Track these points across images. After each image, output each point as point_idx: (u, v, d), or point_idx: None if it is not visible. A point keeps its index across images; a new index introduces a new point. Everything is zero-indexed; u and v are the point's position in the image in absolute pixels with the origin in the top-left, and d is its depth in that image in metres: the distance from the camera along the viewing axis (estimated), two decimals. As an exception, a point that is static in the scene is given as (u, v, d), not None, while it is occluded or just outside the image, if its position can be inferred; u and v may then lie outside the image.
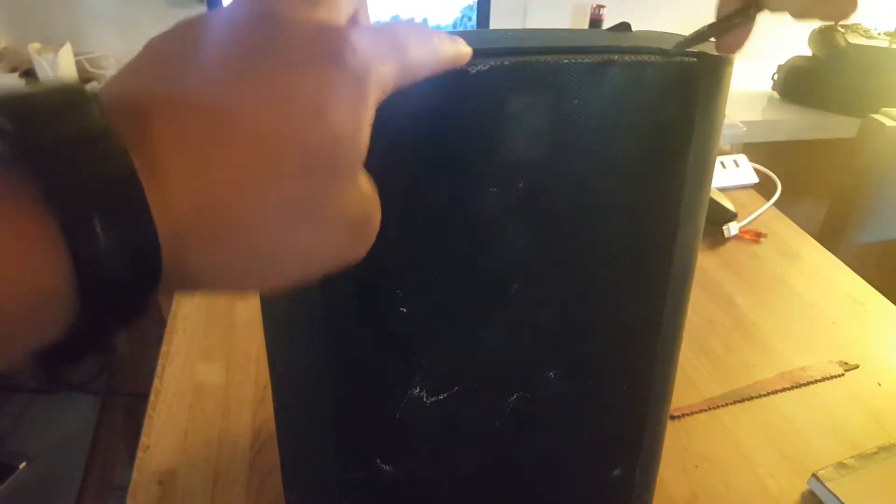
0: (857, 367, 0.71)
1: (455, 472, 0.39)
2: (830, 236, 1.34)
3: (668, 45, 0.31)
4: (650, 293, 0.37)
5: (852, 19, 0.30)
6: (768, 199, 1.01)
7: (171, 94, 0.18)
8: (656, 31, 0.36)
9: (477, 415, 0.37)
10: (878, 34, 1.45)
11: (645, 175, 0.33)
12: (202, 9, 1.15)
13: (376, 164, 0.21)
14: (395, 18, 1.28)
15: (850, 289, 0.84)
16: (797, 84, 1.52)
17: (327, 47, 0.19)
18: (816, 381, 0.68)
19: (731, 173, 1.09)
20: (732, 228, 0.93)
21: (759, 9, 0.30)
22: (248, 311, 0.75)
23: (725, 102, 0.34)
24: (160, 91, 0.18)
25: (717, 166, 1.06)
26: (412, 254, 0.31)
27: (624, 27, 0.36)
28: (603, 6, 1.47)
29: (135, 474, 0.56)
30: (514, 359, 0.36)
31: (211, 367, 0.67)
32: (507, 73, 0.28)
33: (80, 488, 1.38)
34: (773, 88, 1.57)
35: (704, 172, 0.35)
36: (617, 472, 0.42)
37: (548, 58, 0.28)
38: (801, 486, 0.56)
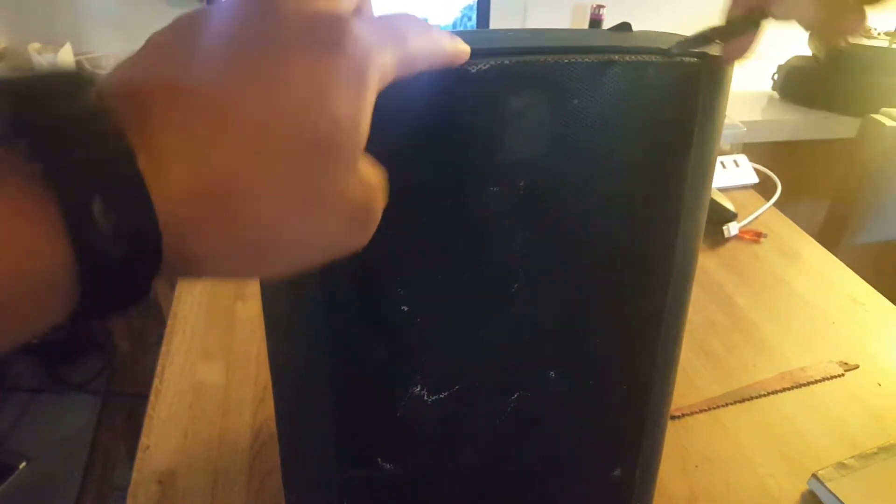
0: (857, 367, 0.71)
1: (455, 471, 0.39)
2: (830, 236, 1.34)
3: (669, 46, 0.31)
4: (651, 293, 0.37)
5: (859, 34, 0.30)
6: (768, 199, 1.01)
7: (171, 80, 0.18)
8: (657, 32, 0.36)
9: (477, 414, 0.37)
10: (878, 34, 1.45)
11: (646, 175, 0.33)
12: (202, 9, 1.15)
13: (377, 163, 0.21)
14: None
15: (850, 289, 0.84)
16: (797, 84, 1.52)
17: (327, 35, 0.19)
18: (816, 381, 0.68)
19: (731, 173, 1.09)
20: (732, 228, 0.93)
21: (764, 16, 0.30)
22: (248, 311, 0.75)
23: (726, 102, 0.34)
24: (160, 77, 0.18)
25: (717, 166, 1.06)
26: (413, 252, 0.31)
27: (625, 27, 0.36)
28: (603, 6, 1.47)
29: (135, 474, 0.56)
30: (515, 358, 0.36)
31: (211, 367, 0.67)
32: (507, 73, 0.28)
33: (80, 488, 1.38)
34: (773, 88, 1.57)
35: (705, 172, 0.35)
36: (617, 472, 0.42)
37: (548, 57, 0.28)
38: (801, 486, 0.56)
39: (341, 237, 0.21)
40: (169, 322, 0.73)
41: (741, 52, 0.31)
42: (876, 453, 0.58)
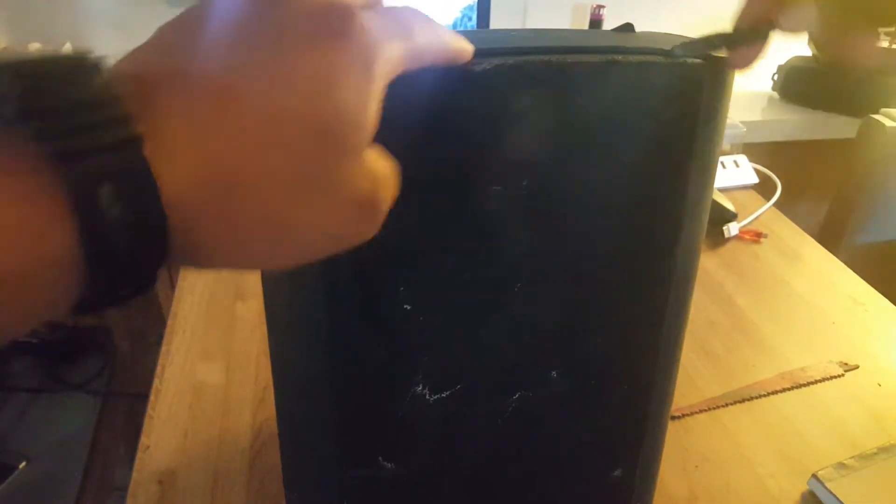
0: (857, 367, 0.71)
1: (456, 471, 0.39)
2: (830, 236, 1.34)
3: (672, 47, 0.31)
4: (653, 293, 0.37)
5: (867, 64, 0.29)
6: (768, 199, 1.01)
7: (179, 68, 0.18)
8: (660, 33, 0.36)
9: (479, 413, 0.37)
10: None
11: (648, 175, 0.33)
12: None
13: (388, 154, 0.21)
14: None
15: (850, 289, 0.84)
16: (797, 84, 1.52)
17: (334, 24, 0.19)
18: (816, 382, 0.68)
19: (731, 173, 1.09)
20: (733, 229, 0.93)
21: (772, 28, 0.30)
22: (248, 311, 0.75)
23: (729, 103, 0.34)
24: (168, 65, 0.18)
25: (718, 166, 1.06)
26: (415, 251, 0.31)
27: (628, 28, 0.36)
28: (603, 6, 1.47)
29: (135, 474, 0.56)
30: (517, 358, 0.36)
31: (211, 367, 0.67)
32: (511, 72, 0.28)
33: (80, 488, 1.38)
34: (773, 89, 1.57)
35: (707, 173, 0.35)
36: (617, 472, 0.42)
37: (552, 57, 0.28)
38: (801, 486, 0.56)
39: (347, 228, 0.21)
40: (169, 322, 0.73)
41: (746, 62, 0.31)
42: (876, 453, 0.58)
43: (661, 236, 0.35)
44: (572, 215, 0.32)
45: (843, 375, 0.69)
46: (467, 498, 0.40)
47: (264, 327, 0.39)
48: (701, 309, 0.79)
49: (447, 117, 0.28)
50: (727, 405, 0.65)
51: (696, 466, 0.58)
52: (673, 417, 0.62)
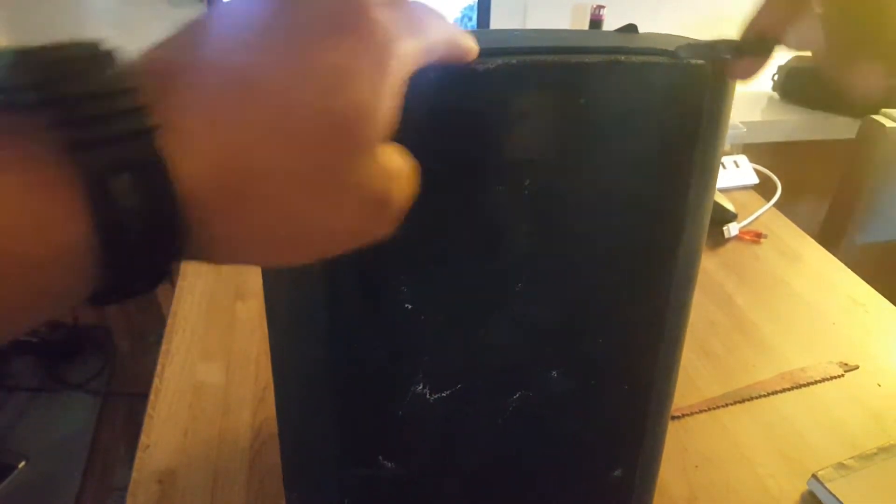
0: (856, 367, 0.71)
1: (456, 470, 0.39)
2: (830, 237, 1.34)
3: (676, 48, 0.31)
4: (654, 293, 0.37)
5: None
6: (768, 199, 1.01)
7: (196, 62, 0.18)
8: (663, 34, 0.36)
9: (479, 413, 0.37)
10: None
11: (650, 175, 0.33)
12: (203, 9, 1.15)
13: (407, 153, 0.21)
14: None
15: (850, 289, 0.84)
16: (797, 85, 1.52)
17: (350, 21, 0.19)
18: (816, 382, 0.68)
19: (731, 174, 1.09)
20: (733, 229, 0.93)
21: (778, 43, 0.30)
22: (248, 311, 0.75)
23: (731, 104, 0.34)
24: (185, 59, 0.18)
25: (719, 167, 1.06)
26: (417, 250, 0.31)
27: (631, 28, 0.36)
28: (603, 7, 1.47)
29: (134, 474, 0.56)
30: (517, 357, 0.36)
31: (211, 366, 0.67)
32: (514, 72, 0.28)
33: (80, 488, 1.38)
34: (773, 89, 1.57)
35: (709, 174, 0.35)
36: (617, 472, 0.42)
37: (555, 57, 0.28)
38: (801, 486, 0.56)
39: (361, 226, 0.21)
40: (169, 322, 0.73)
41: (748, 72, 0.31)
42: (876, 454, 0.58)
43: (662, 237, 0.35)
44: (574, 215, 0.32)
45: (843, 376, 0.69)
46: (467, 497, 0.40)
47: (264, 327, 0.39)
48: (701, 309, 0.79)
49: (449, 117, 0.28)
50: (727, 405, 0.65)
51: (696, 466, 0.58)
52: (673, 417, 0.62)
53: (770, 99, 1.58)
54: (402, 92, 0.21)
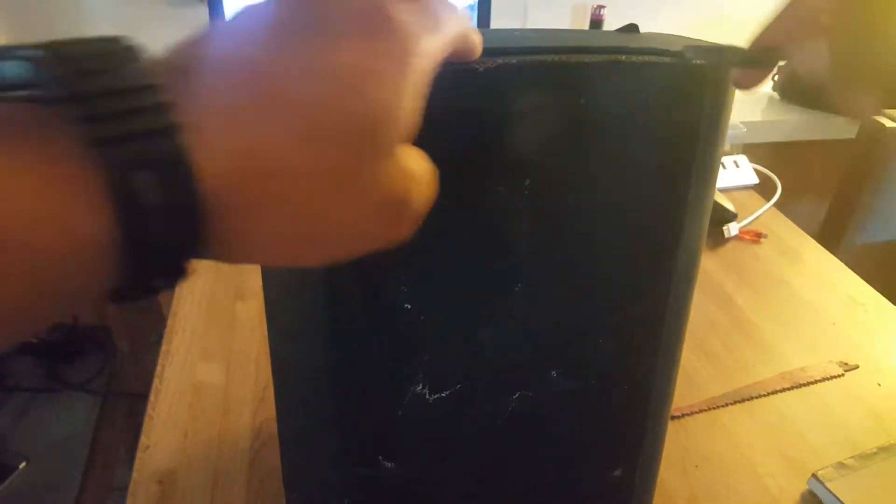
0: (856, 367, 0.71)
1: (456, 470, 0.39)
2: (830, 236, 1.34)
3: (676, 48, 0.31)
4: (653, 293, 0.37)
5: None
6: (768, 199, 1.01)
7: (218, 60, 0.19)
8: (664, 34, 0.36)
9: (478, 413, 0.37)
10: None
11: (650, 175, 0.33)
12: (203, 9, 1.15)
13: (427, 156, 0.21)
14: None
15: (850, 289, 0.84)
16: (797, 85, 1.52)
17: (372, 22, 0.20)
18: (816, 382, 0.68)
19: (731, 174, 1.09)
20: (733, 229, 0.93)
21: (782, 59, 0.30)
22: (248, 311, 0.75)
23: (732, 104, 0.34)
24: (208, 56, 0.19)
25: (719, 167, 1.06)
26: (417, 250, 0.31)
27: (632, 28, 0.36)
28: (603, 6, 1.47)
29: (135, 474, 0.56)
30: (517, 357, 0.36)
31: (211, 367, 0.67)
32: (514, 72, 0.28)
33: (80, 488, 1.38)
34: (774, 89, 1.57)
35: (709, 174, 0.35)
36: (617, 472, 0.42)
37: (555, 57, 0.28)
38: (801, 486, 0.56)
39: (378, 228, 0.21)
40: (169, 322, 0.73)
41: (752, 83, 0.31)
42: (876, 453, 0.58)
43: (662, 236, 0.35)
44: (574, 215, 0.32)
45: (843, 375, 0.69)
46: (467, 497, 0.40)
47: (264, 327, 0.39)
48: (701, 309, 0.79)
49: (449, 116, 0.28)
50: (727, 405, 0.65)
51: (696, 466, 0.58)
52: (673, 417, 0.62)
53: (770, 99, 1.58)
54: (424, 92, 0.21)
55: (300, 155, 0.18)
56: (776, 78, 1.56)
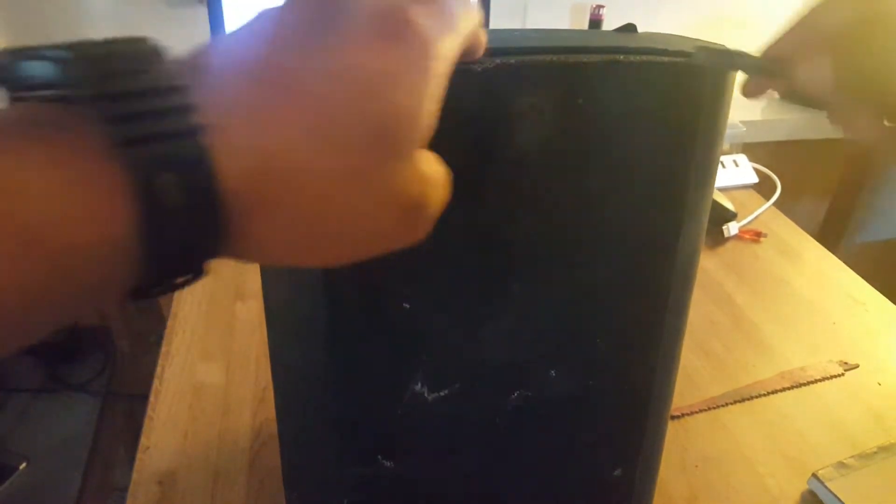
0: (857, 366, 0.71)
1: (455, 469, 0.39)
2: (830, 236, 1.34)
3: (674, 47, 0.31)
4: (652, 293, 0.37)
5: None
6: (768, 198, 1.01)
7: (240, 61, 0.19)
8: (662, 33, 0.36)
9: (478, 412, 0.37)
10: None
11: (649, 175, 0.33)
12: (203, 9, 1.15)
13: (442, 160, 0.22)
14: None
15: (850, 289, 0.84)
16: (798, 97, 1.52)
17: (391, 27, 0.20)
18: (816, 381, 0.68)
19: (730, 173, 1.09)
20: (732, 228, 0.93)
21: (790, 71, 0.31)
22: (248, 312, 0.75)
23: (730, 104, 0.34)
24: (229, 57, 0.19)
25: (718, 166, 1.06)
26: (415, 250, 0.31)
27: (630, 28, 0.36)
28: (602, 6, 1.47)
29: (135, 475, 0.56)
30: (516, 356, 0.36)
31: (211, 367, 0.67)
32: (512, 72, 0.28)
33: (80, 489, 1.38)
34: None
35: (708, 173, 0.35)
36: (617, 472, 0.42)
37: (553, 57, 0.28)
38: (801, 486, 0.56)
39: (392, 230, 0.21)
40: (169, 322, 0.73)
41: (757, 92, 0.32)
42: (876, 453, 0.58)
43: (661, 236, 0.35)
44: (572, 215, 0.32)
45: (843, 375, 0.69)
46: (467, 497, 0.40)
47: (264, 327, 0.39)
48: (701, 308, 0.79)
49: (447, 117, 0.28)
50: (727, 405, 0.65)
51: (696, 466, 0.58)
52: (673, 417, 0.62)
53: (770, 98, 1.58)
54: (441, 96, 0.21)
55: (319, 156, 0.18)
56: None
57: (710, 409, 0.64)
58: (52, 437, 1.48)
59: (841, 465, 0.56)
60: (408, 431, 0.36)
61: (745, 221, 0.95)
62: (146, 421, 0.61)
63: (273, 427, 0.59)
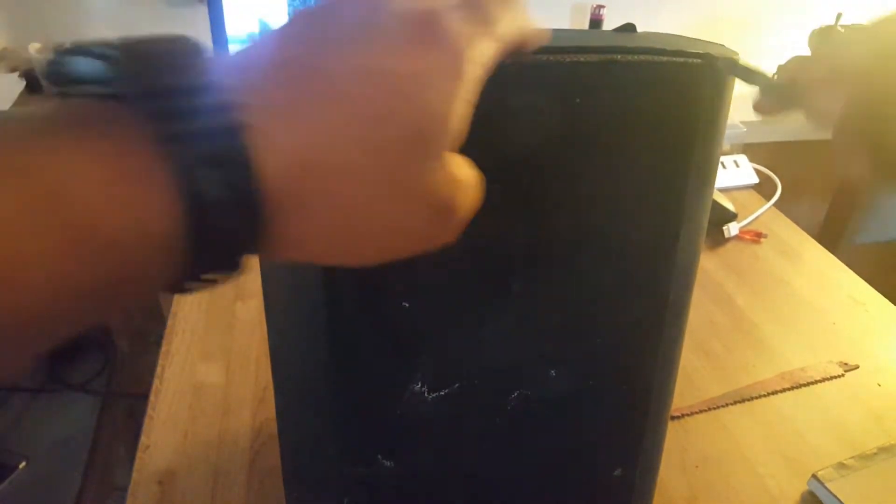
0: (857, 367, 0.71)
1: (455, 469, 0.39)
2: (830, 236, 1.34)
3: (673, 47, 0.31)
4: (652, 293, 0.37)
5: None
6: (768, 199, 1.01)
7: (278, 61, 0.19)
8: (661, 33, 0.36)
9: (478, 412, 0.37)
10: (876, 18, 1.45)
11: (648, 175, 0.33)
12: (203, 8, 1.15)
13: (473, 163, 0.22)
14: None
15: (850, 289, 0.84)
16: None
17: (426, 31, 0.20)
18: (816, 382, 0.68)
19: (731, 174, 1.09)
20: (733, 229, 0.93)
21: (800, 94, 0.31)
22: (248, 312, 0.75)
23: (730, 104, 0.34)
24: (268, 57, 0.19)
25: (718, 167, 1.06)
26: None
27: (629, 28, 0.36)
28: (603, 6, 1.47)
29: (135, 474, 0.56)
30: (516, 356, 0.36)
31: (211, 367, 0.67)
32: (511, 72, 0.28)
33: (80, 488, 1.38)
34: (774, 89, 1.57)
35: (708, 173, 0.35)
36: (617, 472, 0.42)
37: (551, 57, 0.28)
38: (801, 486, 0.56)
39: (424, 230, 0.22)
40: (169, 322, 0.73)
41: (769, 111, 0.32)
42: (876, 453, 0.58)
43: (660, 236, 0.35)
44: (571, 215, 0.32)
45: (843, 375, 0.69)
46: (466, 496, 0.40)
47: (264, 327, 0.39)
48: (701, 309, 0.79)
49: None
50: (727, 405, 0.65)
51: (696, 466, 0.58)
52: (673, 417, 0.62)
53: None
54: (474, 99, 0.21)
55: (354, 156, 0.19)
56: (776, 77, 1.56)
57: (710, 409, 0.64)
58: (51, 437, 1.48)
59: (841, 465, 0.56)
60: (408, 431, 0.36)
61: (745, 222, 0.95)
62: (146, 420, 0.61)
63: (273, 427, 0.59)
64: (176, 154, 0.16)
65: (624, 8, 1.52)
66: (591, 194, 0.32)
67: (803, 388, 0.68)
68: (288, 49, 0.20)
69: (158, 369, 0.66)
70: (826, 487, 0.54)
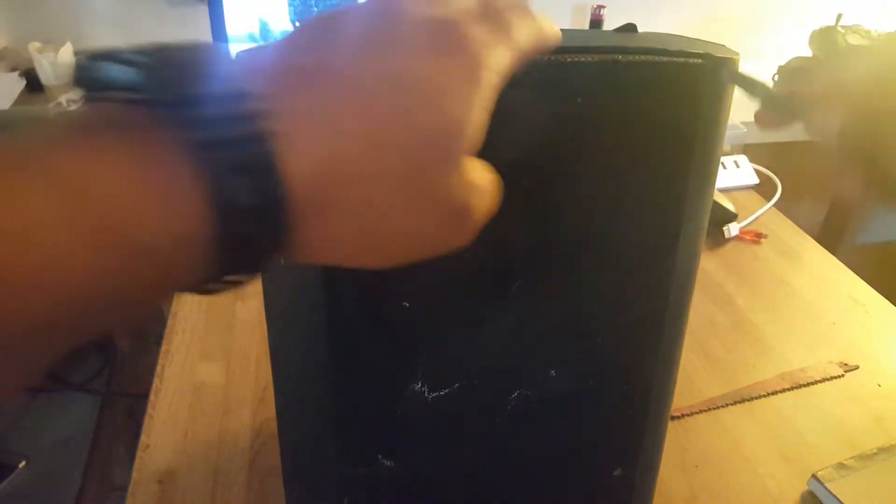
0: (856, 367, 0.71)
1: (455, 469, 0.39)
2: (830, 236, 1.34)
3: (674, 47, 0.31)
4: (652, 293, 0.37)
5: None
6: (769, 199, 1.01)
7: (301, 66, 0.20)
8: (662, 33, 0.36)
9: (478, 411, 0.37)
10: (878, 35, 1.45)
11: (649, 175, 0.33)
12: (203, 9, 1.15)
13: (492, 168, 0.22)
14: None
15: (850, 289, 0.84)
16: (797, 85, 1.52)
17: (445, 39, 0.21)
18: (816, 382, 0.68)
19: (731, 174, 1.09)
20: (733, 229, 0.93)
21: (799, 107, 0.31)
22: (248, 311, 0.75)
23: (730, 104, 0.34)
24: (291, 64, 0.20)
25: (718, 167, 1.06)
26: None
27: (630, 28, 0.36)
28: (603, 6, 1.47)
29: (135, 474, 0.56)
30: (516, 356, 0.36)
31: (211, 367, 0.67)
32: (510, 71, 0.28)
33: (80, 488, 1.38)
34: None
35: (708, 173, 0.35)
36: (617, 472, 0.42)
37: (553, 56, 0.28)
38: (801, 486, 0.56)
39: (440, 235, 0.22)
40: (169, 322, 0.73)
41: (770, 125, 0.32)
42: (876, 454, 0.58)
43: (660, 236, 0.35)
44: (571, 215, 0.32)
45: (843, 376, 0.69)
46: (467, 496, 0.40)
47: (264, 327, 0.39)
48: (701, 309, 0.79)
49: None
50: (727, 405, 0.65)
51: (696, 466, 0.58)
52: (673, 417, 0.62)
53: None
54: (491, 106, 0.22)
55: (375, 162, 0.19)
56: (776, 78, 1.56)
57: (710, 409, 0.64)
58: (51, 436, 1.48)
59: (841, 466, 0.56)
60: (408, 431, 0.36)
61: (745, 222, 0.95)
62: (146, 419, 0.61)
63: (273, 427, 0.59)
64: (206, 161, 0.17)
65: (624, 8, 1.52)
66: (592, 194, 0.32)
67: (803, 389, 0.68)
68: (309, 55, 0.20)
69: (158, 369, 0.66)
70: (826, 487, 0.54)
